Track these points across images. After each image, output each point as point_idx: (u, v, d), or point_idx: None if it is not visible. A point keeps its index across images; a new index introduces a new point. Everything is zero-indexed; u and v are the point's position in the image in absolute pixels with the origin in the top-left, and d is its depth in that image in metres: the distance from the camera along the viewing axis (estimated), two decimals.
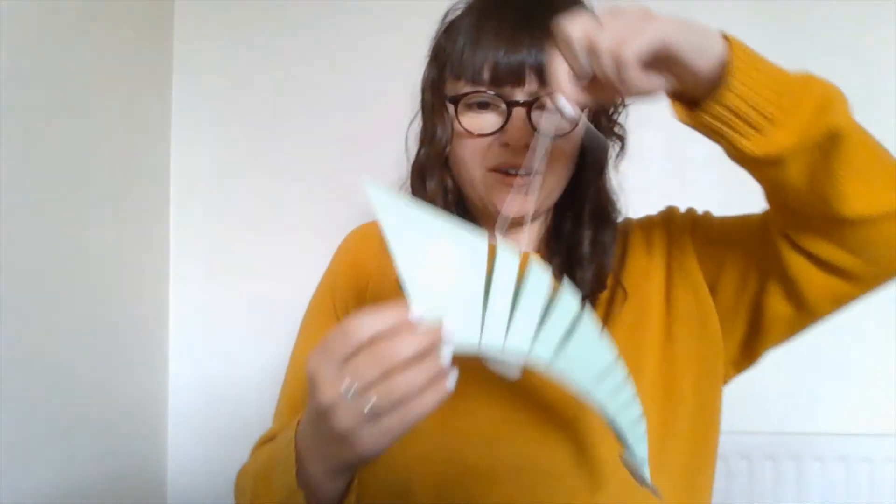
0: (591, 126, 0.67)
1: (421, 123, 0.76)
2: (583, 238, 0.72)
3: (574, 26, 0.51)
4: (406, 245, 0.47)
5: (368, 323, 0.46)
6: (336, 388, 0.46)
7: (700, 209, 0.76)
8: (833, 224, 0.57)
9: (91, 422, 1.21)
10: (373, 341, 0.46)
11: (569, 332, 0.51)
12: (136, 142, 1.34)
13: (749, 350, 0.71)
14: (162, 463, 1.44)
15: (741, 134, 0.54)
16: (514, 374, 0.54)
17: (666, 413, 0.67)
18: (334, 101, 1.43)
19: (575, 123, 0.67)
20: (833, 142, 0.53)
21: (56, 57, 1.11)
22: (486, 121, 0.68)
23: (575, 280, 0.70)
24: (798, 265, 0.62)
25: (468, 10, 0.71)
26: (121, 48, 1.29)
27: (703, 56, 0.52)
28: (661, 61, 0.52)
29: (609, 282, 0.72)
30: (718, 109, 0.53)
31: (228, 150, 1.46)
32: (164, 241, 1.45)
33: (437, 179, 0.72)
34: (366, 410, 0.46)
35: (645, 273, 0.73)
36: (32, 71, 1.06)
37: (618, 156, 0.76)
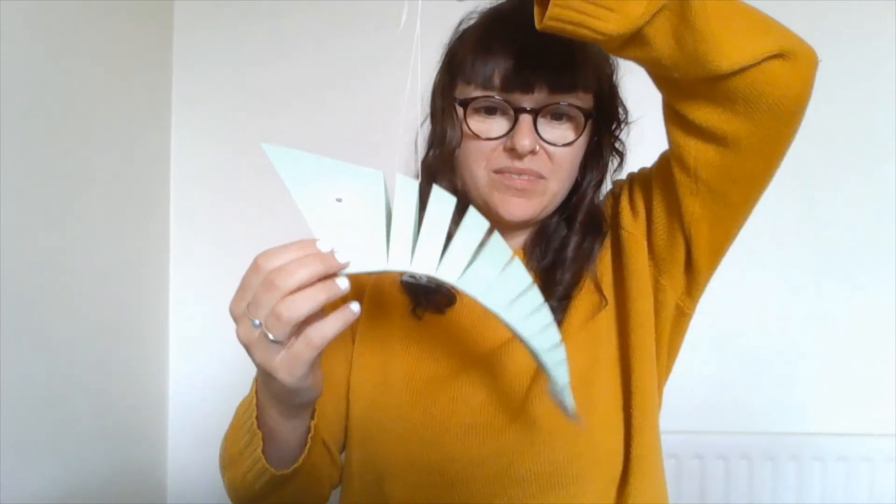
0: None
1: (430, 126, 0.77)
2: (569, 242, 0.74)
3: None
4: (305, 187, 0.52)
5: (275, 255, 0.49)
6: (247, 322, 0.49)
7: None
8: (714, 82, 0.58)
9: (91, 423, 1.21)
10: (278, 269, 0.48)
11: (474, 256, 0.54)
12: (136, 141, 1.34)
13: (691, 270, 0.72)
14: (162, 464, 1.44)
15: (599, 18, 0.55)
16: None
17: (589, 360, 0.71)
18: (334, 99, 1.43)
19: (578, 128, 0.70)
20: (683, 10, 0.55)
21: (56, 56, 1.11)
22: (493, 125, 0.69)
23: (554, 280, 0.73)
24: (693, 149, 0.63)
25: (482, 19, 0.73)
26: (121, 46, 1.29)
27: None
28: None
29: (588, 285, 0.74)
30: (569, 2, 0.54)
31: (229, 149, 1.46)
32: (164, 242, 1.45)
33: (446, 182, 0.74)
34: (258, 334, 0.49)
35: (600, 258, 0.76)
36: (33, 70, 1.06)
37: (615, 171, 0.78)
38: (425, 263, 0.52)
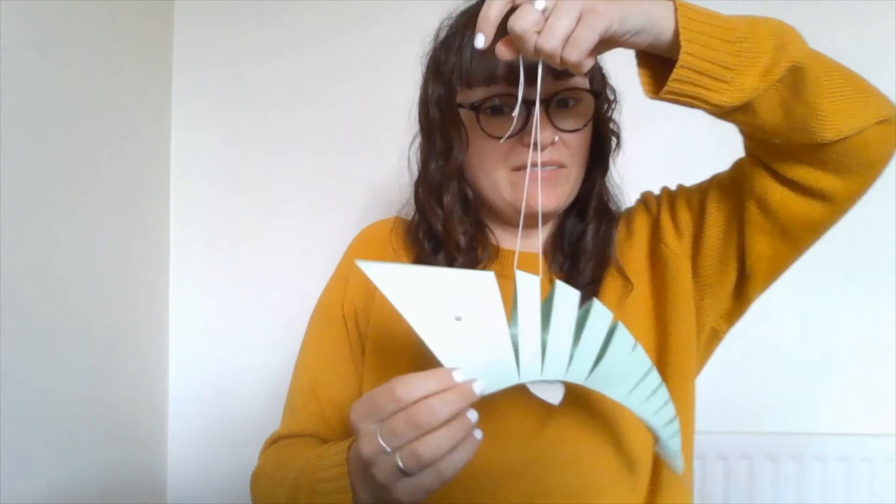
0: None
1: (422, 142, 0.76)
2: (587, 231, 0.74)
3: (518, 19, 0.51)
4: (419, 308, 0.48)
5: (417, 386, 0.48)
6: (375, 443, 0.49)
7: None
8: (815, 149, 0.59)
9: (91, 423, 1.21)
10: (420, 402, 0.47)
11: (603, 351, 0.52)
12: (135, 141, 1.34)
13: (740, 299, 0.73)
14: (162, 464, 1.44)
15: (711, 90, 0.55)
16: (555, 399, 0.54)
17: None
18: (335, 100, 1.43)
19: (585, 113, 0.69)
20: (796, 75, 0.55)
21: (56, 55, 1.11)
22: (504, 123, 0.68)
23: (577, 270, 0.73)
24: (780, 197, 0.64)
25: (463, 21, 0.71)
26: (121, 46, 1.29)
27: (650, 34, 0.54)
28: (606, 43, 0.53)
29: (611, 270, 0.74)
30: (682, 74, 0.54)
31: (229, 150, 1.45)
32: (164, 241, 1.45)
33: (454, 192, 0.73)
34: (387, 460, 0.48)
35: (627, 259, 0.75)
36: (32, 70, 1.05)
37: (614, 151, 0.77)
38: (555, 369, 0.50)
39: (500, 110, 0.68)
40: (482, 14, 0.54)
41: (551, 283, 0.72)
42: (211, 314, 1.45)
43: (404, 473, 0.48)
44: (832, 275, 1.36)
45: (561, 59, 0.52)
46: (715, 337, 0.76)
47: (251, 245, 1.44)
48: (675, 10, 0.54)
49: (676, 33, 0.54)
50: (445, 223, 0.75)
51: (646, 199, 0.79)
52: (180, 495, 1.44)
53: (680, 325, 0.71)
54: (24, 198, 1.04)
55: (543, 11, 0.51)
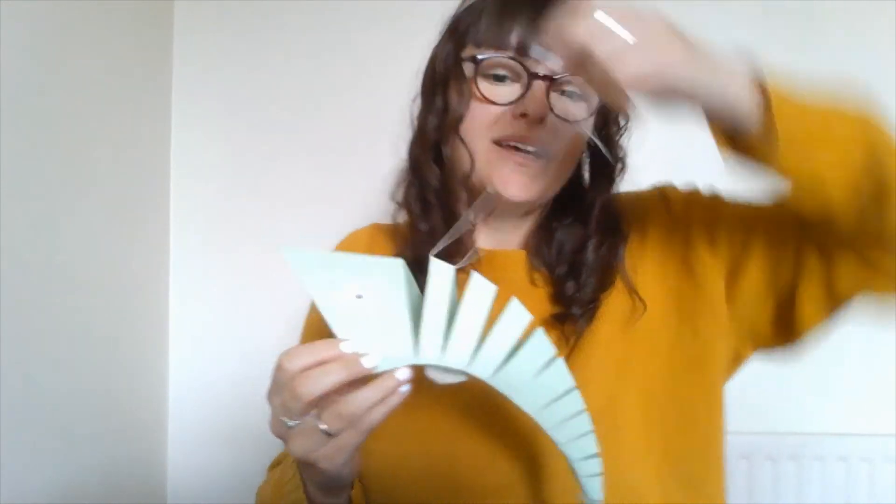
0: (597, 140, 0.65)
1: (421, 105, 0.73)
2: (587, 244, 0.70)
3: (579, 25, 0.49)
4: (323, 286, 0.50)
5: (300, 356, 0.49)
6: (279, 418, 0.50)
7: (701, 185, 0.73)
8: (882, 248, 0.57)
9: (91, 423, 1.21)
10: (302, 372, 0.48)
11: (511, 354, 0.51)
12: (135, 142, 1.34)
13: (784, 329, 0.67)
14: (162, 464, 1.44)
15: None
16: (445, 379, 0.53)
17: (646, 405, 0.65)
18: (335, 101, 1.43)
19: (590, 108, 0.65)
20: (882, 191, 0.52)
21: (56, 55, 1.11)
22: (504, 91, 0.65)
23: (577, 285, 0.68)
24: (837, 265, 0.60)
25: None
26: (121, 46, 1.29)
27: (722, 101, 0.51)
28: (669, 92, 0.49)
29: (619, 287, 0.69)
30: (763, 151, 0.51)
31: (229, 151, 1.45)
32: (164, 242, 1.45)
33: (453, 146, 0.69)
34: (319, 429, 0.49)
35: (640, 272, 0.70)
36: (32, 70, 1.05)
37: (617, 175, 0.73)
38: (458, 356, 0.50)
39: (501, 79, 0.65)
40: (557, 32, 0.50)
41: (532, 283, 0.70)
42: (211, 314, 1.45)
43: (322, 438, 0.49)
44: None
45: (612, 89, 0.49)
46: (738, 359, 0.71)
47: (251, 245, 1.44)
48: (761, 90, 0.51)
49: (761, 112, 0.50)
50: (444, 180, 0.71)
51: (667, 197, 0.73)
52: (180, 495, 1.44)
53: (704, 353, 0.67)
54: (24, 198, 1.04)
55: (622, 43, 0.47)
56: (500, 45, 0.64)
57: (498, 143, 0.66)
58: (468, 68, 0.66)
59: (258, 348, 1.42)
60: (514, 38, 0.63)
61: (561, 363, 0.52)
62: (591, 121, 0.68)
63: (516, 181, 0.66)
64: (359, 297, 0.50)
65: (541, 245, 0.73)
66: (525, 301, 0.52)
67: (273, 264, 1.44)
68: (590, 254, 0.69)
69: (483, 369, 0.50)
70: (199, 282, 1.45)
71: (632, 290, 0.68)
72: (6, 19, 0.98)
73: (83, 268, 1.18)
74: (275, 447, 0.72)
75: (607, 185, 0.72)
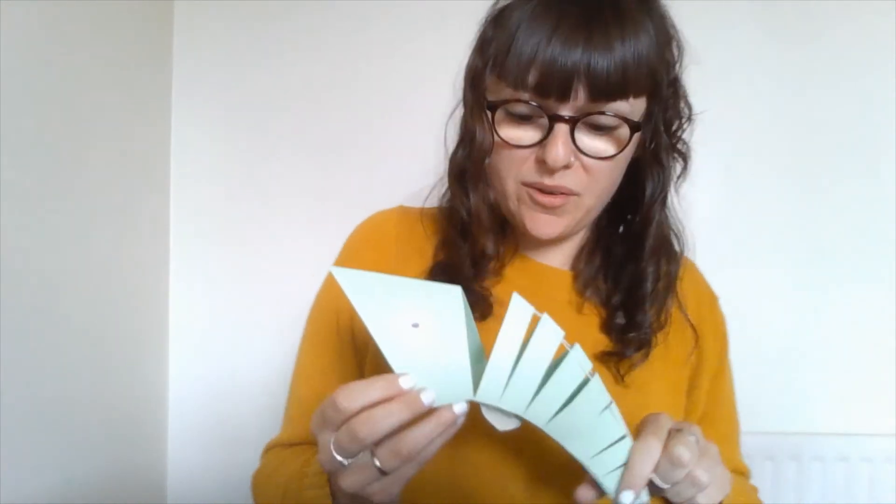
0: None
1: (462, 118, 0.71)
2: (646, 276, 0.68)
3: (689, 449, 0.51)
4: (377, 313, 0.48)
5: (359, 394, 0.47)
6: (330, 454, 0.48)
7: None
8: None
9: (91, 423, 1.21)
10: (362, 411, 0.47)
11: (569, 401, 0.50)
12: (135, 141, 1.34)
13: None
14: (162, 464, 1.44)
15: None
16: (503, 426, 0.52)
17: None
18: (335, 100, 1.43)
19: (621, 141, 0.63)
20: None
21: (56, 55, 1.11)
22: (527, 132, 0.63)
23: (636, 319, 0.67)
24: None
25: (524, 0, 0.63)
26: (121, 46, 1.29)
27: None
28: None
29: (677, 318, 0.71)
30: None
31: (229, 149, 1.45)
32: (163, 241, 1.45)
33: (480, 193, 0.68)
34: (344, 465, 0.48)
35: (676, 329, 0.73)
36: (32, 70, 1.05)
37: (679, 177, 0.70)
38: (516, 401, 0.49)
39: (526, 118, 0.62)
40: (633, 468, 0.51)
41: (579, 310, 0.69)
42: (211, 314, 1.45)
43: (376, 475, 0.47)
44: (832, 274, 1.36)
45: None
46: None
47: (251, 245, 1.44)
48: None
49: None
50: (472, 226, 0.69)
51: (722, 327, 0.83)
52: (180, 495, 1.44)
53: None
54: (24, 197, 1.04)
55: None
56: (517, 84, 0.60)
57: (527, 184, 0.64)
58: (487, 113, 0.64)
59: (258, 349, 1.42)
60: (531, 77, 0.59)
61: (615, 410, 0.52)
62: (631, 145, 0.64)
63: (545, 220, 0.65)
64: (415, 325, 0.48)
65: (590, 269, 0.71)
66: (570, 328, 0.51)
67: (273, 264, 1.44)
68: (648, 286, 0.68)
69: (539, 416, 0.50)
70: (199, 282, 1.45)
71: (688, 318, 0.70)
72: (6, 19, 0.98)
73: (83, 267, 1.18)
74: None
75: (661, 203, 0.69)
